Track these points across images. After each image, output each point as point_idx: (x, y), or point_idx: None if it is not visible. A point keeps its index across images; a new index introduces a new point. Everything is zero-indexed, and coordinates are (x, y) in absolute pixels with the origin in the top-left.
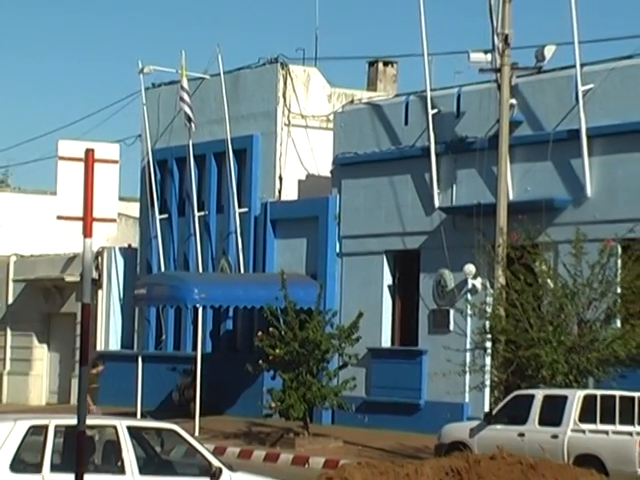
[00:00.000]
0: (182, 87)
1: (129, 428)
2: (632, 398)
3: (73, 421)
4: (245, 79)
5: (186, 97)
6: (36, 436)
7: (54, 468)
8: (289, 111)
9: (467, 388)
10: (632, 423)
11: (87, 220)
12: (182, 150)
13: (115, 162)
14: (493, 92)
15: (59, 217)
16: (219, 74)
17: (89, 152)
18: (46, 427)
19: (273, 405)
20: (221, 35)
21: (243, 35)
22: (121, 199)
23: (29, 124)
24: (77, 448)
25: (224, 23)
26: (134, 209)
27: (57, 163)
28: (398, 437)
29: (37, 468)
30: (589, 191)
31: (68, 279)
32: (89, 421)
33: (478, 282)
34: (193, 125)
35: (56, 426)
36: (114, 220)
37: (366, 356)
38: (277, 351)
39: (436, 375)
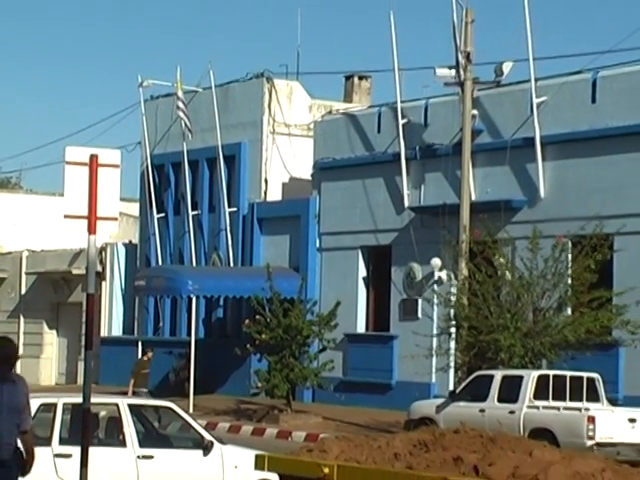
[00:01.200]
0: (179, 98)
1: (130, 406)
2: (581, 378)
3: (79, 399)
4: (234, 92)
5: (182, 107)
6: (46, 413)
7: (62, 441)
8: (274, 120)
9: (434, 369)
10: (581, 400)
11: (91, 219)
12: (177, 156)
13: (116, 166)
14: (457, 104)
15: (66, 216)
16: (211, 87)
17: (93, 157)
18: (55, 405)
19: (259, 385)
20: (212, 52)
21: (232, 52)
22: (122, 199)
23: (40, 132)
24: (83, 424)
25: (215, 41)
26: (134, 209)
27: (64, 167)
28: (372, 413)
29: (47, 441)
30: (543, 192)
31: (75, 272)
32: (93, 399)
33: (444, 274)
34: (189, 133)
35: (64, 404)
36: (116, 219)
37: (343, 341)
38: (263, 336)
39: (406, 358)
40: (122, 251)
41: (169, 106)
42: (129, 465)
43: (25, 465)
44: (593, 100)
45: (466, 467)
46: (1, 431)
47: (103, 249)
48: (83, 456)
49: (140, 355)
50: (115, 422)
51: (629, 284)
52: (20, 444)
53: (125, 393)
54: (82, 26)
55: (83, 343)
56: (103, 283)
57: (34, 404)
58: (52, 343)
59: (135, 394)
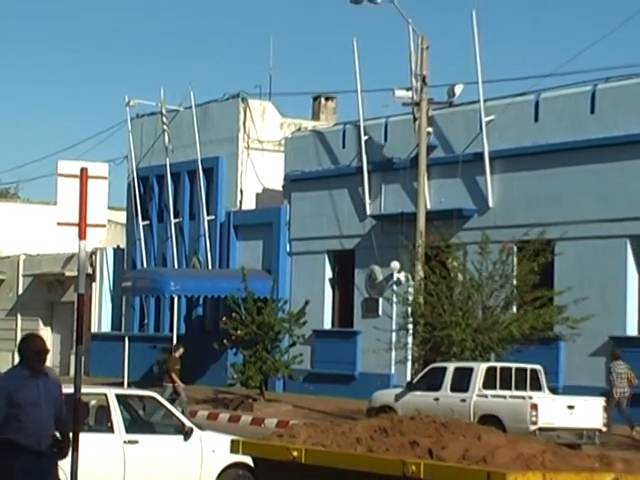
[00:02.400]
0: (164, 117)
1: (117, 396)
2: (525, 369)
3: (70, 390)
4: (212, 111)
5: (167, 124)
6: None
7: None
8: (248, 137)
9: (393, 362)
10: (525, 389)
11: (82, 226)
12: (161, 168)
13: (105, 178)
14: (412, 122)
15: (59, 223)
16: (191, 107)
17: (83, 170)
18: None
19: (235, 376)
20: (192, 74)
21: (211, 75)
22: (110, 208)
23: (35, 147)
24: (74, 411)
25: (195, 64)
26: (122, 217)
27: (57, 179)
28: (337, 402)
29: None
30: (491, 202)
31: (67, 274)
32: (84, 390)
33: (402, 276)
34: (173, 146)
35: None
36: (104, 226)
37: (311, 336)
38: (238, 332)
39: (368, 351)
40: (111, 255)
41: (153, 124)
42: (116, 449)
43: (62, 451)
44: (536, 119)
45: (421, 450)
46: (42, 423)
47: (93, 253)
48: (74, 441)
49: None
50: (104, 410)
51: (568, 284)
52: (57, 433)
53: (113, 384)
54: (75, 50)
55: (75, 338)
56: (93, 284)
57: None
58: (47, 339)
59: (161, 387)
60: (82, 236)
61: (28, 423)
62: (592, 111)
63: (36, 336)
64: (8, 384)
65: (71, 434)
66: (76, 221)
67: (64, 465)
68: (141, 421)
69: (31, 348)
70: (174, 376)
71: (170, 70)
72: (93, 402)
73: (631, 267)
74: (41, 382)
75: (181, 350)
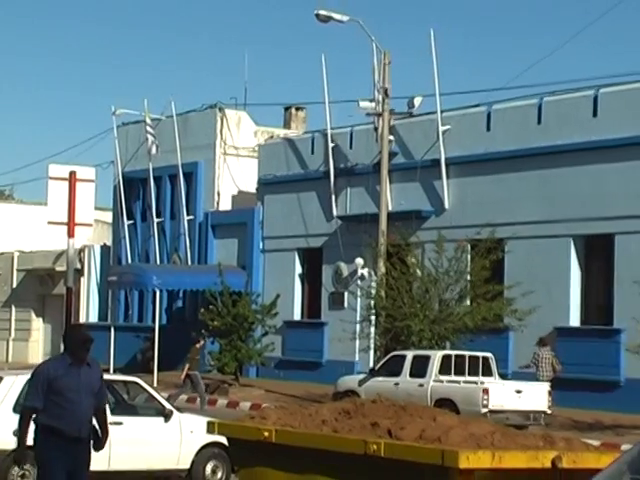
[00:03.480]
0: (147, 124)
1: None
2: (477, 357)
3: None
4: (192, 120)
5: (151, 130)
6: None
7: None
8: (225, 144)
9: (357, 350)
10: (477, 375)
11: (70, 225)
12: (144, 172)
13: (92, 181)
14: (378, 131)
15: (49, 222)
16: (172, 116)
17: (72, 174)
18: None
19: (212, 363)
20: (174, 86)
21: (191, 86)
22: (97, 209)
23: (29, 152)
24: None
25: (176, 77)
26: (108, 216)
27: (48, 182)
28: (305, 387)
29: None
30: (447, 204)
31: (58, 269)
32: None
33: (365, 271)
34: (157, 152)
35: None
36: (91, 225)
37: (282, 327)
38: (215, 323)
39: (334, 340)
40: (98, 252)
41: (137, 131)
42: None
43: (99, 440)
44: (488, 129)
45: (381, 431)
46: (81, 411)
47: (82, 250)
48: None
49: (141, 343)
50: None
51: (517, 280)
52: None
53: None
54: (66, 61)
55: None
56: (82, 279)
57: (22, 380)
58: (38, 328)
59: (188, 376)
60: (71, 234)
61: (68, 410)
62: (539, 122)
63: (80, 326)
64: (49, 370)
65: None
66: (65, 220)
67: None
68: (125, 404)
69: (76, 338)
70: (187, 365)
71: (154, 81)
72: None
73: (574, 264)
74: (82, 371)
75: (202, 342)
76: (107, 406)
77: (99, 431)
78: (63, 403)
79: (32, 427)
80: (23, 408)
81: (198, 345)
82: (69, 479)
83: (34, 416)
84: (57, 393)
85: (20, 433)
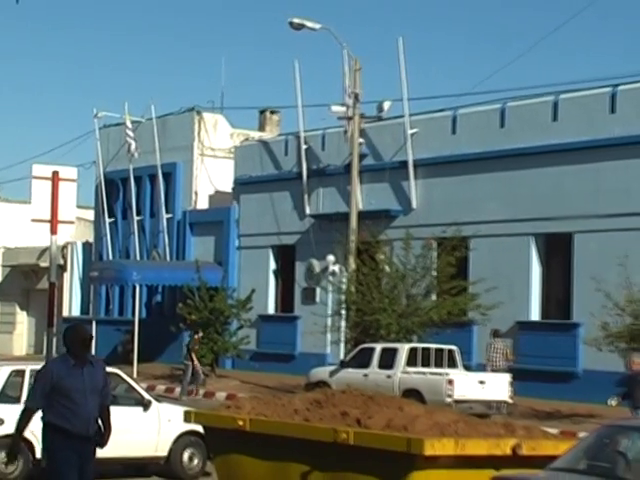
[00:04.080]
0: (128, 127)
1: None
2: (443, 349)
3: (41, 366)
4: (171, 122)
5: (131, 134)
6: (17, 377)
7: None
8: (202, 145)
9: (328, 343)
10: (443, 366)
11: (53, 222)
12: (125, 172)
13: (74, 181)
14: (348, 133)
15: (33, 220)
16: (152, 118)
17: (55, 173)
18: (23, 371)
19: None
20: (153, 90)
21: (170, 90)
22: (80, 207)
23: (14, 152)
24: None
25: (156, 80)
26: (90, 214)
27: (32, 181)
28: (279, 378)
29: (17, 400)
30: (414, 204)
31: (42, 265)
32: None
33: (336, 268)
34: (137, 153)
35: (31, 370)
36: (73, 222)
37: (257, 320)
38: (193, 316)
39: (306, 334)
40: (80, 248)
41: (118, 133)
42: None
43: (103, 438)
44: (453, 132)
45: (351, 420)
46: (88, 410)
47: (65, 247)
48: None
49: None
50: None
51: (481, 276)
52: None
53: None
54: (49, 65)
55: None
56: (65, 274)
57: (6, 370)
58: (23, 322)
59: (192, 362)
60: (53, 231)
61: (74, 410)
62: (502, 126)
63: (79, 325)
64: (53, 372)
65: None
66: (48, 218)
67: (35, 430)
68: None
69: (75, 336)
70: (193, 356)
71: (135, 85)
72: None
73: (535, 261)
74: (86, 370)
75: (200, 334)
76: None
77: (102, 428)
78: (69, 404)
79: (40, 425)
80: (25, 407)
81: (197, 337)
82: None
83: (41, 415)
84: (62, 394)
85: (17, 430)
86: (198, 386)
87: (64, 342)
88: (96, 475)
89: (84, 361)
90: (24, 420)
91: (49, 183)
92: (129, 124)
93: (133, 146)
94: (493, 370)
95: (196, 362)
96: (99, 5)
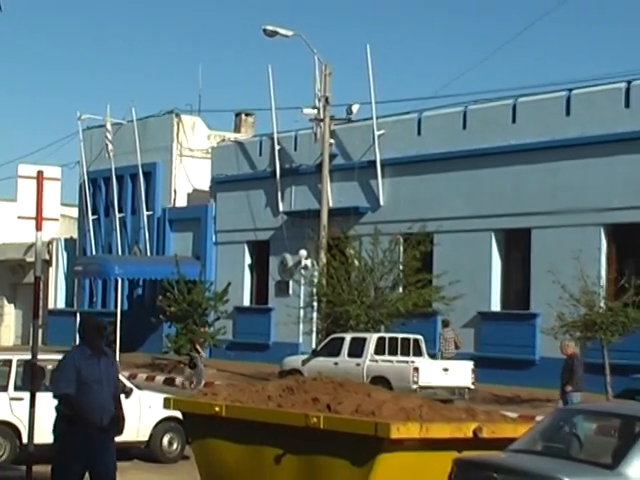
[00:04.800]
0: (107, 130)
1: None
2: (409, 338)
3: (29, 356)
4: (151, 124)
5: (109, 136)
6: (4, 367)
7: (16, 388)
8: (181, 146)
9: (301, 333)
10: (409, 355)
11: (38, 219)
12: (107, 172)
13: (57, 180)
14: (318, 134)
15: (19, 217)
16: (133, 120)
17: (40, 173)
18: (11, 361)
19: (169, 345)
20: (134, 93)
21: (150, 93)
22: (64, 205)
23: (1, 153)
24: (31, 374)
25: (136, 84)
26: (74, 212)
27: (17, 180)
28: (254, 367)
29: (4, 388)
30: (382, 201)
31: (28, 259)
32: (41, 356)
33: (308, 262)
34: (111, 154)
35: (17, 360)
36: (57, 219)
37: (233, 312)
38: (172, 308)
39: (280, 324)
40: (65, 244)
41: (101, 135)
42: None
43: (118, 427)
44: (419, 133)
45: (321, 405)
46: (103, 400)
47: (50, 243)
48: (32, 399)
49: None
50: None
51: (444, 269)
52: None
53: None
54: (35, 69)
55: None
56: (50, 269)
57: None
58: (10, 314)
59: (199, 353)
60: (39, 228)
61: (92, 399)
62: (464, 127)
63: (92, 315)
64: (75, 359)
65: (30, 393)
66: (33, 215)
67: (22, 417)
68: None
69: (89, 326)
70: (199, 347)
71: (116, 89)
72: (49, 367)
73: (495, 255)
74: (102, 361)
75: (206, 328)
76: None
77: (116, 417)
78: (87, 393)
79: (54, 416)
80: (57, 397)
81: (203, 329)
82: (92, 466)
83: (56, 405)
84: (82, 383)
85: (71, 413)
86: (199, 378)
87: (79, 332)
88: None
89: (100, 351)
90: (69, 406)
91: (34, 182)
92: (109, 127)
93: (110, 147)
94: (444, 357)
95: (202, 353)
96: (83, 15)
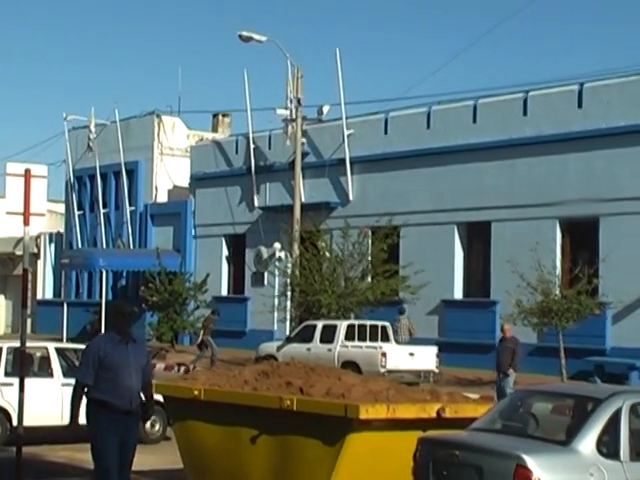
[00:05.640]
0: (90, 131)
1: (56, 348)
2: (377, 325)
3: (18, 344)
4: (133, 124)
5: (91, 137)
6: None
7: (7, 374)
8: (161, 145)
9: (275, 321)
10: (377, 341)
11: (26, 214)
12: (92, 170)
13: (44, 177)
14: (290, 133)
15: (8, 212)
16: (116, 121)
17: (27, 171)
18: (1, 348)
19: (151, 333)
20: (118, 95)
21: (132, 95)
22: (52, 201)
23: None
24: (20, 361)
25: (119, 87)
26: (61, 207)
27: (6, 178)
28: (232, 352)
29: None
30: (351, 197)
31: (17, 253)
32: (30, 344)
33: (282, 254)
34: (93, 152)
35: (7, 347)
36: (43, 214)
37: (211, 301)
38: (154, 298)
39: (256, 313)
40: (52, 238)
41: (86, 135)
42: (55, 390)
43: (146, 412)
44: (385, 132)
45: (294, 389)
46: (132, 385)
47: (38, 237)
48: (21, 384)
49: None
50: (45, 360)
51: (410, 260)
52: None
53: (54, 339)
54: (25, 72)
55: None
56: (38, 261)
57: None
58: (1, 304)
59: (203, 342)
60: (26, 223)
61: (119, 385)
62: (428, 127)
63: (119, 301)
64: (100, 347)
65: (19, 378)
66: (21, 211)
67: (11, 401)
68: (76, 367)
69: (113, 311)
70: (205, 332)
71: (101, 91)
72: (38, 354)
73: (457, 247)
74: (130, 347)
75: (217, 315)
76: (62, 370)
77: (145, 403)
78: (114, 379)
79: (17, 396)
80: (75, 383)
81: (213, 317)
82: (119, 449)
83: (86, 391)
84: (108, 369)
85: (72, 407)
86: (200, 361)
87: (107, 319)
88: (72, 439)
89: (128, 337)
90: (77, 396)
91: (22, 179)
92: (92, 128)
93: (92, 147)
94: (398, 342)
95: (201, 338)
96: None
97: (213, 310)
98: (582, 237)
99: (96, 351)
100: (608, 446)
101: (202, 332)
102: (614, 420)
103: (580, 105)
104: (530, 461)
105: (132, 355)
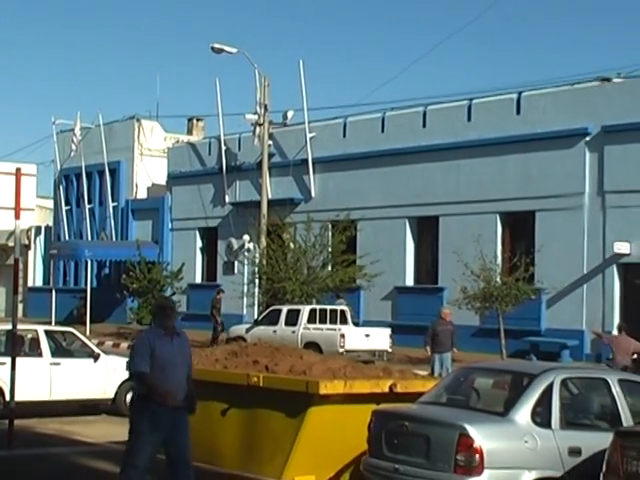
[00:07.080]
0: (74, 134)
1: (45, 331)
2: (336, 310)
3: (10, 327)
4: (116, 127)
5: (75, 140)
6: None
7: (0, 354)
8: (141, 147)
9: (244, 305)
10: (336, 323)
11: (17, 209)
12: (78, 169)
13: (33, 175)
14: (259, 136)
15: (0, 207)
16: (100, 125)
17: (18, 170)
18: None
19: (132, 316)
20: (101, 101)
21: (115, 101)
22: (41, 197)
23: None
24: (12, 342)
25: (103, 93)
26: (50, 203)
27: None
28: (206, 335)
29: None
30: (313, 193)
31: (10, 244)
32: (21, 327)
33: (251, 245)
34: (76, 153)
35: (0, 330)
36: (33, 209)
37: (187, 288)
38: (134, 285)
39: (227, 298)
40: (42, 231)
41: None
42: (44, 369)
43: (191, 405)
44: (344, 135)
45: (261, 367)
46: (178, 378)
47: (29, 230)
48: (13, 363)
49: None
50: (35, 341)
51: (366, 251)
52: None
53: (44, 323)
54: (15, 76)
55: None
56: (29, 252)
57: None
58: None
59: (219, 322)
60: (17, 216)
61: (166, 378)
62: (382, 130)
63: (162, 296)
64: (149, 339)
65: (11, 358)
66: (13, 206)
67: (4, 378)
68: (62, 349)
69: (156, 306)
70: (215, 313)
71: (86, 97)
72: (28, 336)
73: (409, 238)
74: (175, 341)
75: (221, 294)
76: (50, 351)
77: (190, 396)
78: (161, 372)
79: (7, 373)
80: (133, 374)
81: (218, 296)
82: (166, 444)
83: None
84: (155, 362)
85: (147, 391)
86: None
87: (151, 314)
88: (58, 413)
89: (173, 331)
90: (143, 384)
91: (12, 177)
92: (76, 131)
93: (75, 149)
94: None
95: (219, 318)
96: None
97: (218, 290)
98: (520, 230)
99: (147, 343)
100: (541, 416)
101: (216, 313)
102: (547, 393)
103: (518, 112)
104: (472, 430)
105: (178, 348)
